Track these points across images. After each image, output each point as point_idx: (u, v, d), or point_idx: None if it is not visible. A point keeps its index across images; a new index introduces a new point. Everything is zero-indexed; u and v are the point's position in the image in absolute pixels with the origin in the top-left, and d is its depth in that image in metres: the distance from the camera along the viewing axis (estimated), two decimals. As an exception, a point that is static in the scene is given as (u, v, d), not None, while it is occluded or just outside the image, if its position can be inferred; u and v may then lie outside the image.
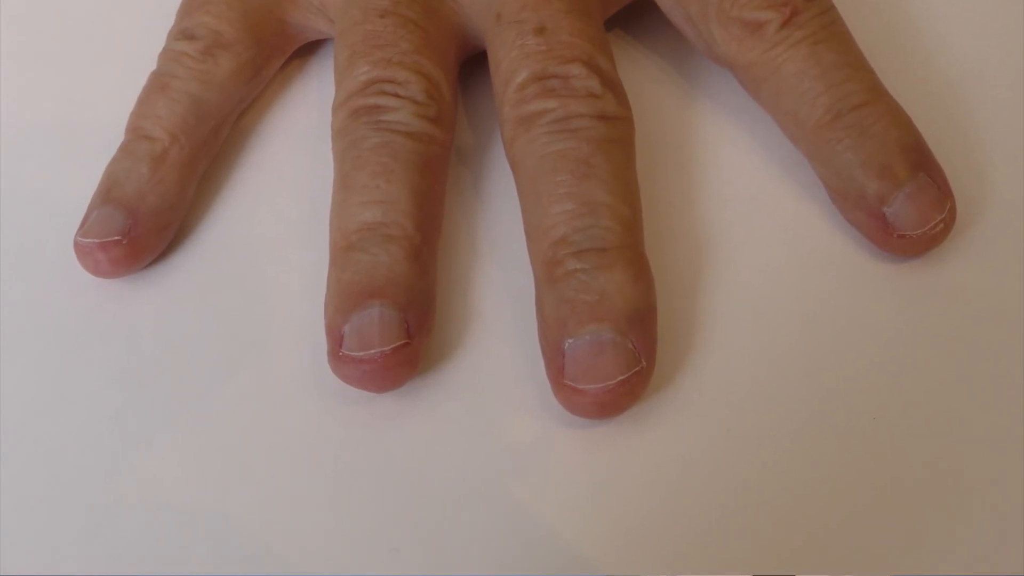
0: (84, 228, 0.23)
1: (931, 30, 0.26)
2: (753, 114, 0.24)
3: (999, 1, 0.26)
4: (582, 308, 0.20)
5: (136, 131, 0.24)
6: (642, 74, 0.26)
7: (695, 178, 0.24)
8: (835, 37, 0.22)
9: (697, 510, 0.20)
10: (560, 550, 0.20)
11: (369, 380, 0.21)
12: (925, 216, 0.21)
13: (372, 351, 0.20)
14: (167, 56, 0.25)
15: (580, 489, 0.20)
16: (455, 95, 0.24)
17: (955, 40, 0.26)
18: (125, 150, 0.24)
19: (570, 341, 0.20)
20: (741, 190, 0.24)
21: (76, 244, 0.23)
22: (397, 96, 0.22)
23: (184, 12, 0.26)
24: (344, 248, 0.21)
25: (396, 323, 0.20)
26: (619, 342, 0.20)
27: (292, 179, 0.25)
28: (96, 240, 0.23)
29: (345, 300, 0.21)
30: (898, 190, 0.21)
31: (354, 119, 0.23)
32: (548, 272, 0.21)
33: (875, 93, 0.22)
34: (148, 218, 0.23)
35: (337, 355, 0.21)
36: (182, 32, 0.25)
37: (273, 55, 0.26)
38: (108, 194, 0.23)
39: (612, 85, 0.22)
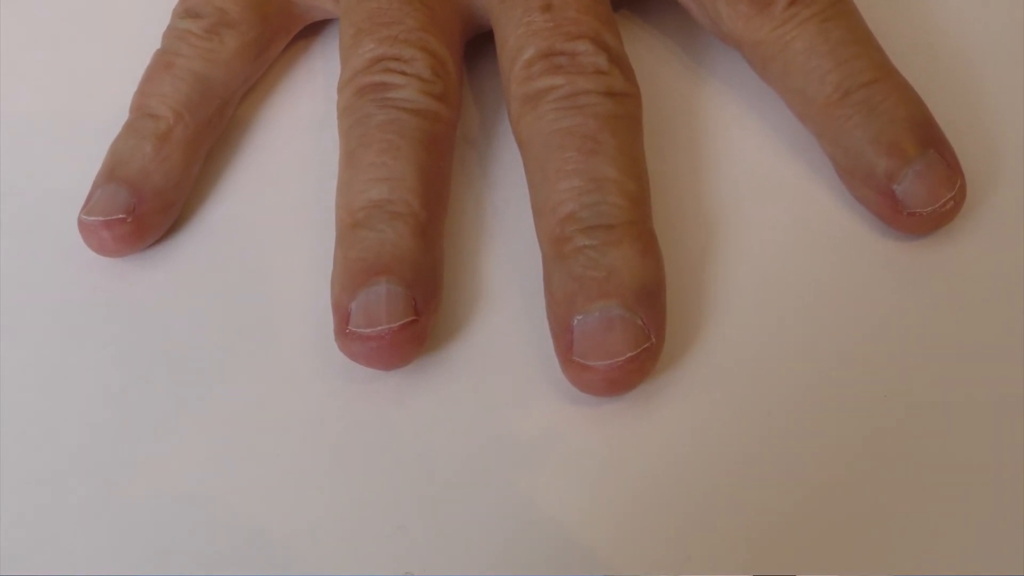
0: (88, 206, 0.23)
1: (939, 6, 0.26)
2: (761, 92, 0.24)
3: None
4: (591, 284, 0.20)
5: (140, 109, 0.24)
6: (649, 53, 0.26)
7: (703, 157, 0.24)
8: (843, 15, 0.22)
9: (706, 488, 0.20)
10: (567, 529, 0.20)
11: (376, 357, 0.20)
12: (935, 193, 0.21)
13: (379, 328, 0.20)
14: (171, 34, 0.25)
15: (588, 466, 0.20)
16: (461, 73, 0.24)
17: (964, 16, 0.26)
18: (129, 128, 0.24)
19: (579, 317, 0.20)
20: (749, 168, 0.24)
21: (80, 222, 0.23)
22: (403, 74, 0.22)
23: (189, -10, 0.25)
24: (350, 225, 0.21)
25: (403, 300, 0.20)
26: (628, 318, 0.20)
27: (297, 158, 0.25)
28: (100, 218, 0.23)
29: (352, 277, 0.21)
30: (907, 167, 0.21)
31: (360, 97, 0.22)
32: (556, 249, 0.21)
33: (884, 70, 0.22)
34: (152, 196, 0.23)
35: (344, 332, 0.20)
36: (187, 10, 0.25)
37: (278, 34, 0.26)
38: (112, 172, 0.23)
39: (619, 61, 0.22)
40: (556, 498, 0.20)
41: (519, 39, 0.22)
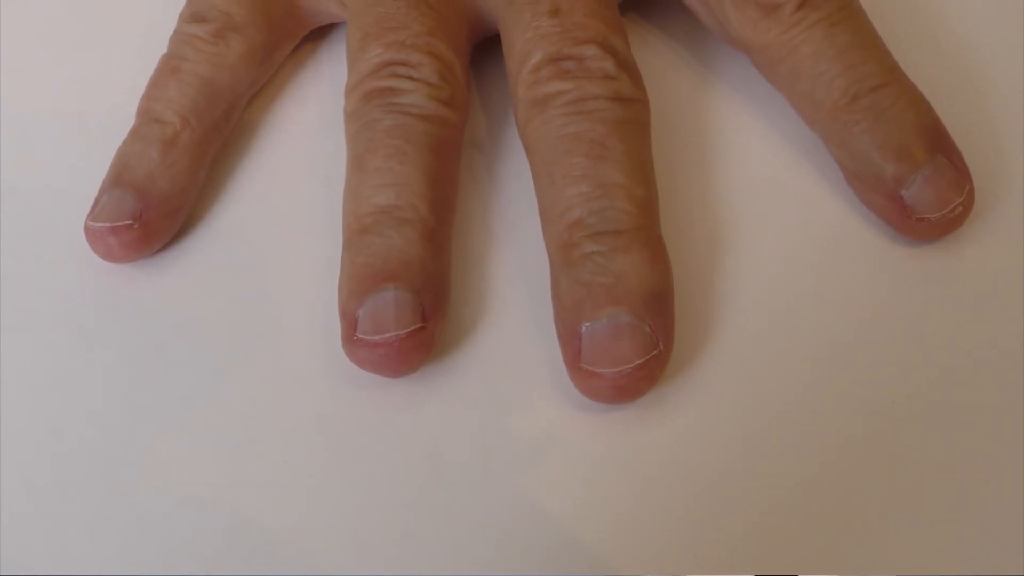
0: (95, 212, 0.23)
1: (947, 11, 0.26)
2: (768, 97, 0.24)
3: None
4: (599, 291, 0.20)
5: (147, 114, 0.24)
6: (656, 57, 0.26)
7: (711, 161, 0.24)
8: (851, 18, 0.22)
9: (713, 494, 0.20)
10: (576, 535, 0.20)
11: (384, 364, 0.20)
12: (943, 199, 0.21)
13: (387, 335, 0.20)
14: (178, 39, 0.25)
15: (596, 472, 0.20)
16: (468, 77, 0.24)
17: (973, 20, 0.25)
18: (136, 133, 0.24)
19: (587, 324, 0.20)
20: (757, 173, 0.23)
21: (87, 229, 0.23)
22: (410, 79, 0.22)
23: (195, -6, 0.25)
24: (358, 231, 0.21)
25: (411, 306, 0.20)
26: (636, 325, 0.20)
27: (304, 163, 0.25)
28: (107, 224, 0.23)
29: (359, 283, 0.21)
30: (916, 172, 0.21)
31: (367, 102, 0.22)
32: (564, 255, 0.21)
33: (892, 74, 0.22)
34: (159, 202, 0.23)
35: (351, 339, 0.20)
36: (193, 14, 0.25)
37: (284, 38, 0.26)
38: (119, 178, 0.23)
39: (627, 66, 0.22)
40: (563, 504, 0.20)
41: (527, 43, 0.22)
